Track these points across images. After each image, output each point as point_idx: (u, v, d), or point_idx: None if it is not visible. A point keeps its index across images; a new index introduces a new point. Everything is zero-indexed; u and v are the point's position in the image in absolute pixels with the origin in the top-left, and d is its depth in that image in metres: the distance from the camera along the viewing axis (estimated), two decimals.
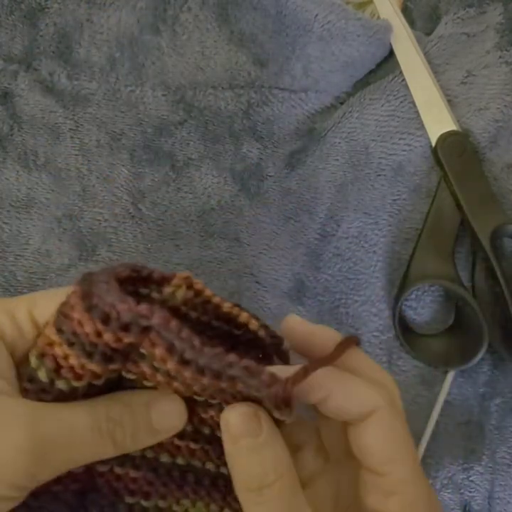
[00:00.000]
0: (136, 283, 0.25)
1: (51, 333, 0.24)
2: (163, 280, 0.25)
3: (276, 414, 0.24)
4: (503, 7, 0.42)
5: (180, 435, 0.27)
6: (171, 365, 0.23)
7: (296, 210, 0.43)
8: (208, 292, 0.25)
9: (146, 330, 0.23)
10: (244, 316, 0.26)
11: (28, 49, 0.44)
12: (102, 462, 0.26)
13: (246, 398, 0.24)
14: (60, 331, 0.23)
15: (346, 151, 0.42)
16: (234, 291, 0.41)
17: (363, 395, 0.24)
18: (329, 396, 0.24)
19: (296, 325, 0.27)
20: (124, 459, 0.26)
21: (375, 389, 0.25)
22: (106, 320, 0.23)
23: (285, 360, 0.28)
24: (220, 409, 0.26)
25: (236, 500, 0.27)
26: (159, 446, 0.27)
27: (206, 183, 0.43)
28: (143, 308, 0.22)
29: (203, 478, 0.27)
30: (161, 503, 0.27)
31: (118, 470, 0.26)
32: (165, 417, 0.25)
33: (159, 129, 0.43)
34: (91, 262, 0.41)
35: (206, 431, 0.27)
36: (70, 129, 0.44)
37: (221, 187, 0.43)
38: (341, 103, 0.44)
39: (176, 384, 0.25)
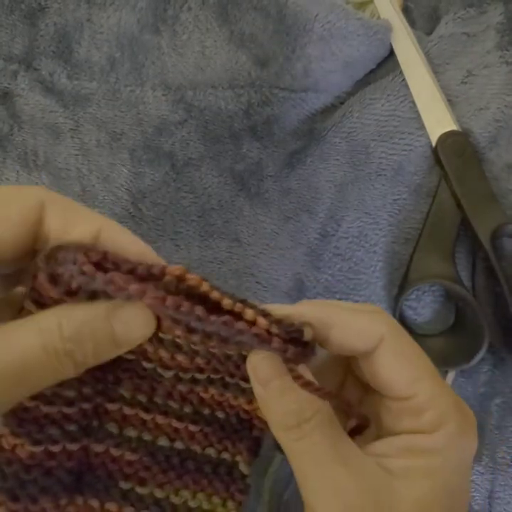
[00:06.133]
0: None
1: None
2: (151, 277, 0.23)
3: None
4: (503, 7, 0.42)
5: (179, 416, 0.26)
6: (178, 332, 0.23)
7: (296, 210, 0.42)
8: (205, 287, 0.23)
9: None
10: (249, 314, 0.23)
11: (28, 49, 0.44)
12: (98, 441, 0.25)
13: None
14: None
15: (346, 150, 0.42)
16: (234, 291, 0.41)
17: (365, 326, 0.25)
18: (329, 335, 0.24)
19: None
20: (120, 440, 0.26)
21: (374, 316, 0.25)
22: (94, 298, 0.22)
23: (310, 350, 0.25)
24: (223, 385, 0.26)
25: (240, 491, 0.27)
26: (157, 429, 0.26)
27: (206, 183, 0.43)
28: (134, 288, 0.21)
29: (203, 465, 0.27)
30: (158, 493, 0.26)
31: (114, 451, 0.26)
32: (130, 326, 0.23)
33: (159, 129, 0.43)
34: None
35: (206, 411, 0.27)
36: (70, 128, 0.43)
37: (221, 187, 0.43)
38: (341, 103, 0.44)
39: (178, 359, 0.25)
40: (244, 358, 0.25)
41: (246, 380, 0.26)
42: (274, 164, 0.43)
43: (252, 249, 0.42)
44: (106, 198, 0.43)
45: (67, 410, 0.24)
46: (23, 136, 0.43)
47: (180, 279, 0.23)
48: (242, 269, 0.42)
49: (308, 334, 0.24)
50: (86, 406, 0.25)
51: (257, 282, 0.42)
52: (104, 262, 0.23)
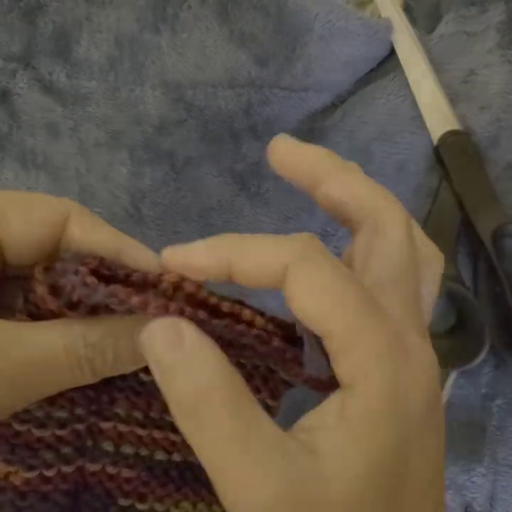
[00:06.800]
0: (110, 281, 0.22)
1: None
2: (147, 285, 0.23)
3: (285, 376, 0.24)
4: (504, 6, 0.42)
5: (175, 429, 0.25)
6: None
7: (296, 209, 0.42)
8: (202, 293, 0.23)
9: None
10: (247, 314, 0.23)
11: (27, 47, 0.43)
12: (94, 461, 0.25)
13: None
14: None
15: (347, 150, 0.42)
16: (234, 292, 0.41)
17: (264, 259, 0.21)
18: (232, 270, 0.22)
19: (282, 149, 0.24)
20: (117, 458, 0.25)
21: (279, 247, 0.21)
22: (94, 312, 0.22)
23: (300, 345, 0.25)
24: None
25: None
26: (154, 443, 0.26)
27: (206, 183, 0.43)
28: (136, 300, 0.21)
29: (202, 475, 0.26)
30: (158, 507, 0.26)
31: (110, 469, 0.25)
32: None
33: (159, 128, 0.43)
34: None
35: None
36: (69, 128, 0.43)
37: (221, 187, 0.43)
38: (342, 102, 0.44)
39: None
40: (241, 366, 0.25)
41: None
42: None
43: None
44: (105, 197, 0.42)
45: (60, 432, 0.24)
46: (22, 136, 0.43)
47: (176, 286, 0.23)
48: None
49: (299, 330, 0.24)
50: (79, 427, 0.25)
51: None
52: (101, 268, 0.22)
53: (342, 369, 0.20)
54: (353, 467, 0.18)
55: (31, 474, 0.23)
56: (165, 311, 0.21)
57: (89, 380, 0.22)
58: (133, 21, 0.43)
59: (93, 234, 0.23)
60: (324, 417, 0.20)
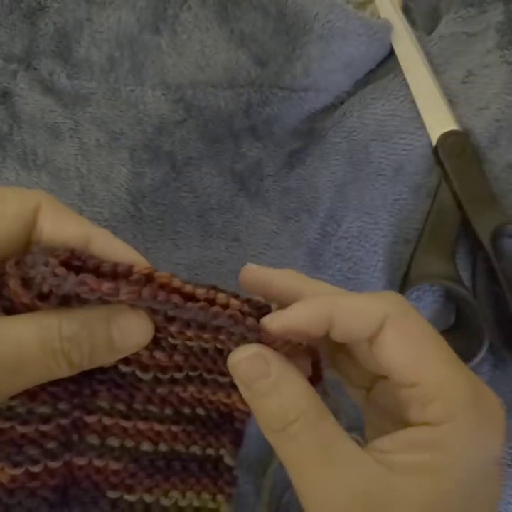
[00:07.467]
0: (80, 271, 0.22)
1: None
2: (117, 275, 0.23)
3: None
4: (503, 6, 0.42)
5: (160, 419, 0.26)
6: (156, 321, 0.23)
7: (296, 209, 0.42)
8: (176, 283, 0.23)
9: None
10: (221, 298, 0.24)
11: (28, 48, 0.44)
12: (80, 455, 0.25)
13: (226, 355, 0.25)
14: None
15: (346, 150, 0.42)
16: (234, 292, 0.41)
17: (366, 310, 0.23)
18: (332, 324, 0.23)
19: (253, 274, 0.26)
20: (103, 451, 0.25)
21: (377, 300, 0.24)
22: (65, 303, 0.22)
23: None
24: (202, 381, 0.26)
25: (228, 483, 0.27)
26: (139, 435, 0.26)
27: (206, 183, 0.43)
28: (107, 287, 0.21)
29: (189, 464, 0.27)
30: (147, 498, 0.26)
31: (97, 462, 0.25)
32: (128, 333, 0.23)
33: (159, 129, 0.43)
34: None
35: (186, 411, 0.27)
36: (70, 128, 0.43)
37: (221, 186, 0.43)
38: (341, 102, 0.44)
39: (157, 356, 0.25)
40: (220, 352, 0.25)
41: (223, 374, 0.26)
42: (274, 164, 0.43)
43: (252, 249, 0.42)
44: (105, 197, 0.43)
45: (44, 428, 0.24)
46: (23, 136, 0.43)
47: (149, 277, 0.23)
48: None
49: (275, 309, 0.25)
50: (64, 421, 0.25)
51: None
52: (71, 259, 0.23)
53: (427, 412, 0.22)
54: (428, 487, 0.21)
55: (17, 471, 0.24)
56: (137, 296, 0.22)
57: (67, 373, 0.23)
58: (133, 22, 0.43)
59: (62, 225, 0.23)
60: (400, 443, 0.22)
